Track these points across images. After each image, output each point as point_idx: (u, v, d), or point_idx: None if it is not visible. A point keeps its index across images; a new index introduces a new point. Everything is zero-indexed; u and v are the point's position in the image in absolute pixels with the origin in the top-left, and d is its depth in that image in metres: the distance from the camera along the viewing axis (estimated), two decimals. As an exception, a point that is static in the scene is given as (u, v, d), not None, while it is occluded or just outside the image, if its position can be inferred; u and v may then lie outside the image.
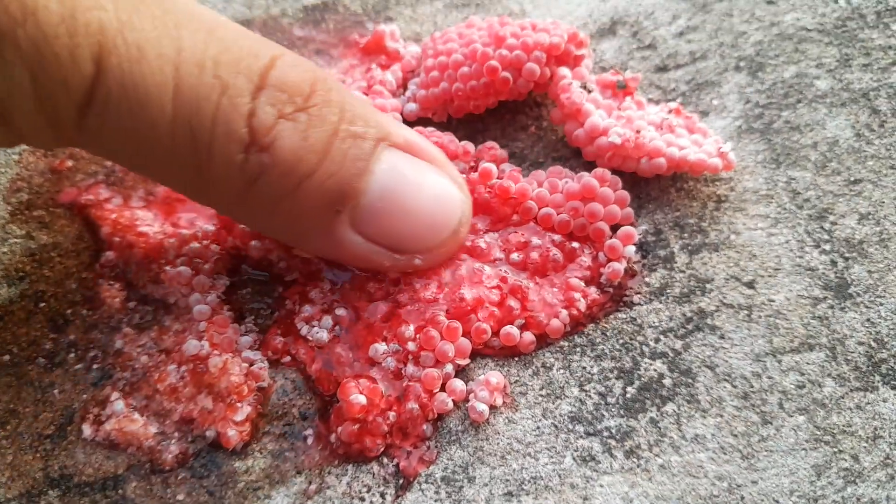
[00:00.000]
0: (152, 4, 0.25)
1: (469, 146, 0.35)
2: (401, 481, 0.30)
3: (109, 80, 0.24)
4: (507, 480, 0.30)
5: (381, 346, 0.31)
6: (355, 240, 0.29)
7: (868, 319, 0.32)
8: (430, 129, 0.36)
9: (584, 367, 0.32)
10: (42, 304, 0.34)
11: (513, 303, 0.32)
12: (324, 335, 0.31)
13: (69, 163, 0.37)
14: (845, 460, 0.30)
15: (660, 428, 0.31)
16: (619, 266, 0.33)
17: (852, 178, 0.35)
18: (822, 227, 0.34)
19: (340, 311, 0.32)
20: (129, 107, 0.25)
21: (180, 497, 0.30)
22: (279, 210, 0.28)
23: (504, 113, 0.38)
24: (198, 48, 0.25)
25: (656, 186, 0.36)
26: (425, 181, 0.30)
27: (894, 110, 0.37)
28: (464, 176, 0.34)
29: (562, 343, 0.33)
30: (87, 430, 0.31)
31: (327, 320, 0.32)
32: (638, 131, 0.33)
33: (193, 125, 0.25)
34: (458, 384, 0.31)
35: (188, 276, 0.33)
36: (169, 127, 0.25)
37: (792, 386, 0.31)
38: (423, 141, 0.31)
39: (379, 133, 0.28)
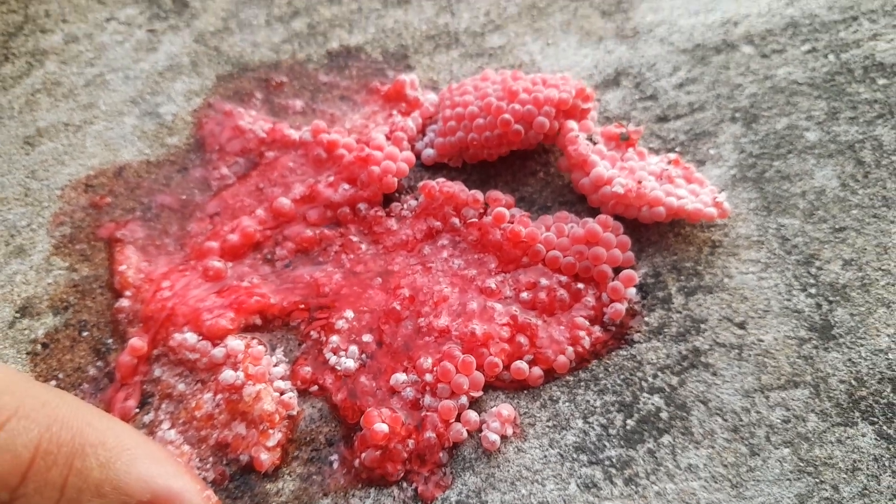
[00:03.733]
0: None
1: (478, 194, 0.37)
2: None
3: None
4: None
5: (401, 376, 0.33)
6: None
7: (850, 359, 0.34)
8: (441, 179, 0.37)
9: (588, 401, 0.34)
10: (85, 333, 0.36)
11: (522, 339, 0.34)
12: (350, 364, 0.33)
13: (108, 199, 0.40)
14: (826, 490, 0.31)
15: (656, 458, 0.32)
16: (621, 306, 0.35)
17: (837, 226, 0.37)
18: (808, 272, 0.36)
19: (366, 338, 0.34)
20: None
21: None
22: None
23: (515, 160, 0.40)
24: None
25: (656, 232, 0.37)
26: None
27: (878, 162, 0.39)
28: (475, 217, 0.36)
29: (567, 378, 0.34)
30: None
31: (353, 349, 0.34)
32: (639, 182, 0.36)
33: None
34: (472, 415, 0.33)
35: (192, 344, 0.34)
36: None
37: (778, 420, 0.33)
38: (183, 489, 0.27)
39: (116, 500, 0.25)
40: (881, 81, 0.41)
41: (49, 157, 0.41)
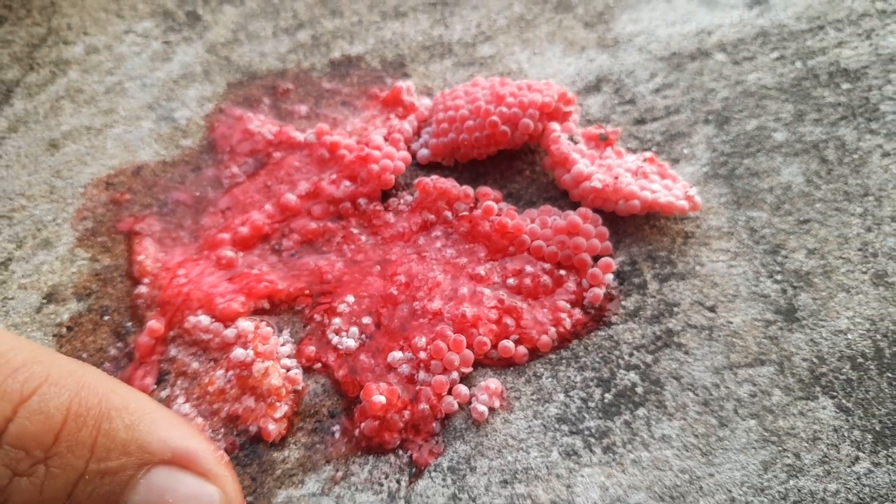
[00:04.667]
0: None
1: (469, 190, 0.40)
2: (413, 470, 0.34)
3: None
4: (503, 470, 0.33)
5: (398, 354, 0.36)
6: None
7: (812, 339, 0.36)
8: (435, 176, 0.40)
9: (569, 377, 0.36)
10: (106, 317, 0.38)
11: (509, 321, 0.36)
12: (352, 343, 0.36)
13: (127, 196, 0.43)
14: (789, 458, 0.33)
15: (632, 428, 0.34)
16: (600, 291, 0.37)
17: (802, 219, 0.40)
18: (775, 260, 0.38)
19: (366, 320, 0.37)
20: None
21: None
22: None
23: (503, 159, 0.42)
24: None
25: (632, 224, 0.39)
26: (188, 495, 0.27)
27: (840, 160, 0.41)
28: (466, 210, 0.39)
29: (550, 356, 0.36)
30: None
31: (354, 330, 0.36)
32: (616, 177, 0.38)
33: None
34: (462, 389, 0.35)
35: (205, 325, 0.36)
36: None
37: (745, 395, 0.35)
38: (199, 448, 0.28)
39: (140, 458, 0.26)
40: (845, 86, 0.44)
41: (72, 158, 0.44)
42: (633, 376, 0.36)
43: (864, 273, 0.38)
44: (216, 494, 0.28)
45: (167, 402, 0.36)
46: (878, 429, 0.34)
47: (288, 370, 0.36)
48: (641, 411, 0.35)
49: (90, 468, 0.25)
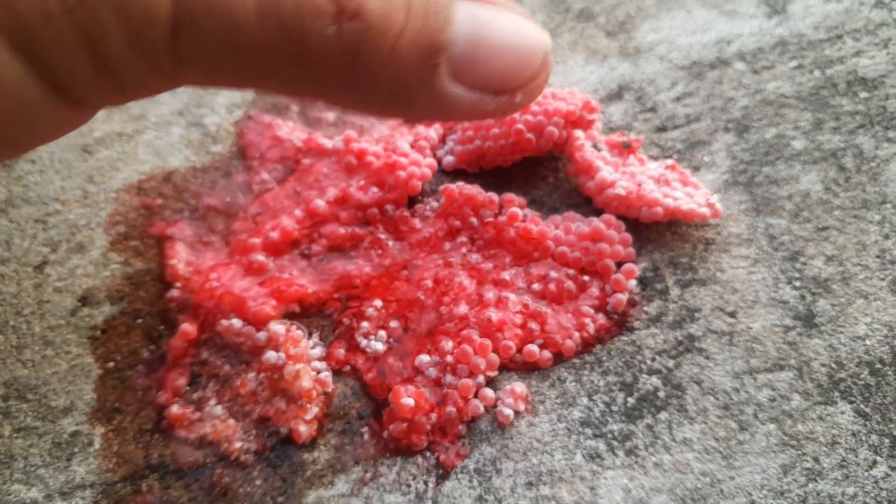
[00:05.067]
0: None
1: (494, 196, 0.40)
2: (440, 471, 0.34)
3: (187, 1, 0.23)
4: (528, 472, 0.34)
5: (425, 357, 0.36)
6: (457, 91, 0.28)
7: (830, 345, 0.37)
8: (460, 183, 0.41)
9: (593, 381, 0.36)
10: (139, 321, 0.39)
11: (533, 325, 0.37)
12: (380, 346, 0.37)
13: (159, 200, 0.44)
14: (808, 462, 0.34)
15: (654, 432, 0.35)
16: (623, 297, 0.38)
17: (821, 226, 0.40)
18: (794, 267, 0.39)
19: (393, 324, 0.38)
20: (215, 19, 0.23)
21: (258, 482, 0.34)
22: (383, 77, 0.26)
23: (527, 166, 0.42)
24: None
25: (654, 231, 0.40)
26: (504, 21, 0.29)
27: (858, 168, 0.42)
28: (491, 216, 0.40)
29: (574, 360, 0.37)
30: (182, 430, 0.36)
31: (382, 333, 0.37)
32: (639, 185, 0.39)
33: (279, 13, 0.24)
34: (488, 392, 0.36)
35: (237, 329, 0.37)
36: (257, 24, 0.24)
37: (765, 399, 0.35)
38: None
39: None
40: (863, 94, 0.45)
41: (105, 164, 0.45)
42: (655, 381, 0.36)
43: (882, 280, 0.39)
44: (540, 33, 0.30)
45: (199, 403, 0.37)
46: (895, 433, 0.35)
47: (318, 373, 0.37)
48: (663, 415, 0.35)
49: None
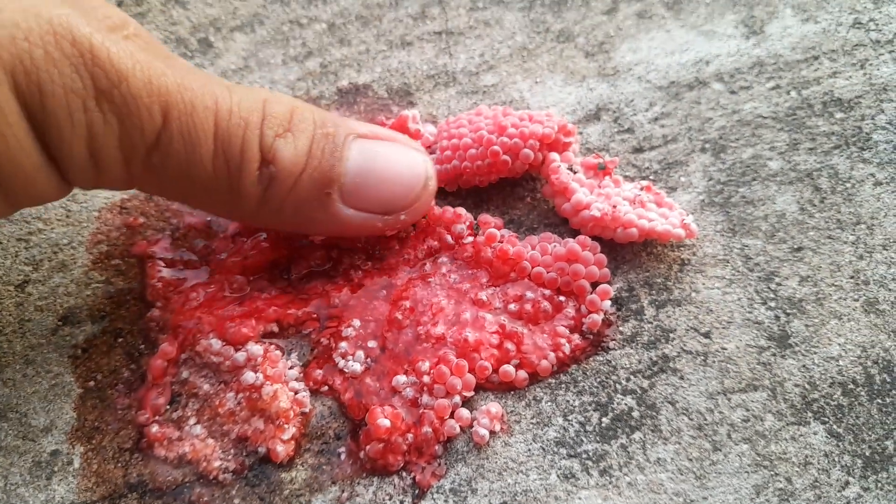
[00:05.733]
0: (194, 71, 0.33)
1: (461, 210, 0.41)
2: (416, 491, 0.35)
3: (172, 127, 0.31)
4: (503, 492, 0.35)
5: (402, 378, 0.37)
6: (349, 213, 0.36)
7: (804, 366, 0.37)
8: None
9: (568, 401, 0.37)
10: (120, 339, 0.40)
11: (510, 346, 0.37)
12: (357, 367, 0.37)
13: (141, 219, 0.44)
14: (780, 482, 0.34)
15: (629, 452, 0.35)
16: (598, 317, 0.38)
17: (796, 246, 0.41)
18: (768, 287, 0.40)
19: (371, 344, 0.38)
20: (185, 146, 0.32)
21: (236, 501, 0.35)
22: (288, 204, 0.35)
23: (504, 186, 0.43)
24: (226, 100, 0.33)
25: (630, 251, 0.40)
26: (390, 153, 0.37)
27: (833, 188, 0.42)
28: (471, 239, 0.40)
29: (550, 380, 0.37)
30: (161, 449, 0.36)
31: (360, 354, 0.37)
32: (615, 206, 0.39)
33: (228, 155, 0.33)
34: (464, 413, 0.36)
35: (216, 349, 0.38)
36: (211, 159, 0.32)
37: (739, 420, 0.36)
38: (384, 130, 0.38)
39: (346, 130, 0.36)
40: (838, 115, 0.45)
41: (88, 183, 0.45)
42: (629, 401, 0.37)
43: (856, 300, 0.39)
44: (424, 161, 0.38)
45: (179, 422, 0.37)
46: (868, 454, 0.35)
47: (296, 393, 0.37)
48: (637, 435, 0.36)
49: (317, 133, 0.35)
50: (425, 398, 0.36)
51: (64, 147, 0.30)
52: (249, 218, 0.37)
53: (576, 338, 0.38)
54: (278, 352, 0.38)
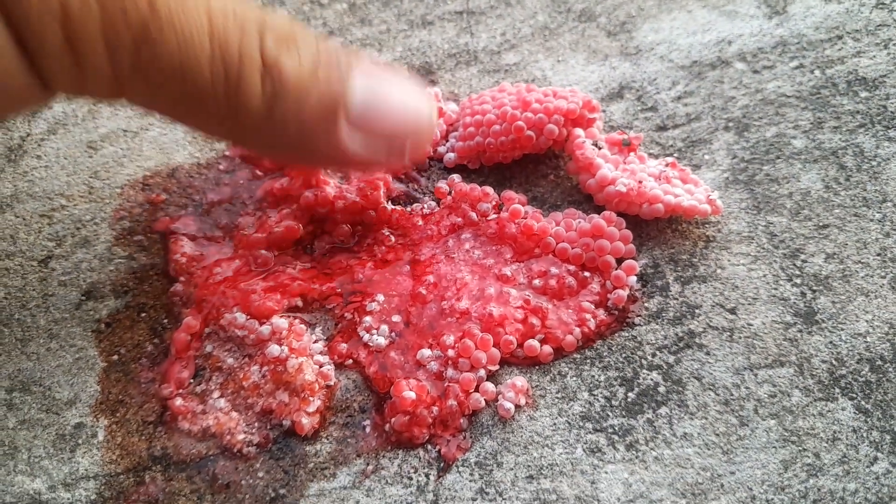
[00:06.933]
0: None
1: (488, 189, 0.41)
2: (441, 464, 0.35)
3: (160, 17, 0.28)
4: (529, 466, 0.35)
5: (426, 352, 0.37)
6: (355, 137, 0.33)
7: (830, 342, 0.37)
8: (454, 176, 0.42)
9: (593, 376, 0.37)
10: (143, 314, 0.40)
11: (534, 321, 0.37)
12: (382, 340, 0.37)
13: (163, 196, 0.44)
14: (808, 457, 0.34)
15: (655, 427, 0.35)
16: (623, 293, 0.38)
17: (821, 224, 0.41)
18: (794, 264, 0.39)
19: (396, 318, 0.38)
20: (177, 43, 0.28)
21: (261, 475, 0.35)
22: (291, 126, 0.32)
23: (528, 163, 0.43)
24: (220, 1, 0.30)
25: (655, 227, 0.40)
26: (394, 86, 0.34)
27: (859, 166, 0.42)
28: (495, 216, 0.40)
29: (575, 355, 0.37)
30: (185, 422, 0.36)
31: (384, 328, 0.38)
32: (640, 182, 0.39)
33: (226, 59, 0.29)
34: (489, 386, 0.36)
35: (241, 322, 0.37)
36: (208, 61, 0.29)
37: (765, 395, 0.36)
38: (384, 67, 0.36)
39: (348, 55, 0.33)
40: (863, 94, 0.45)
41: (110, 160, 0.45)
42: (655, 376, 0.37)
43: (883, 277, 0.39)
44: (427, 98, 0.35)
45: (203, 396, 0.37)
46: (896, 429, 0.35)
47: (321, 366, 0.37)
48: (664, 410, 0.36)
49: (321, 57, 0.31)
50: (450, 372, 0.36)
51: (33, 27, 0.26)
52: (250, 139, 0.34)
53: (601, 313, 0.38)
54: (303, 326, 0.38)
